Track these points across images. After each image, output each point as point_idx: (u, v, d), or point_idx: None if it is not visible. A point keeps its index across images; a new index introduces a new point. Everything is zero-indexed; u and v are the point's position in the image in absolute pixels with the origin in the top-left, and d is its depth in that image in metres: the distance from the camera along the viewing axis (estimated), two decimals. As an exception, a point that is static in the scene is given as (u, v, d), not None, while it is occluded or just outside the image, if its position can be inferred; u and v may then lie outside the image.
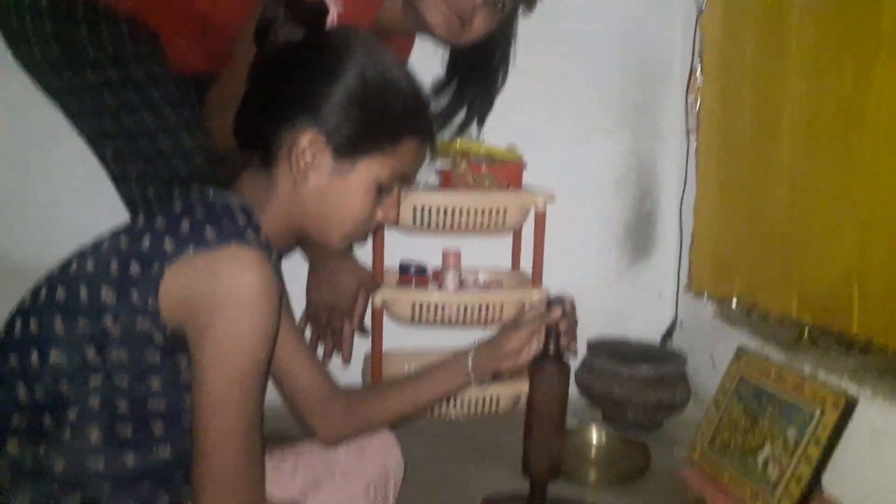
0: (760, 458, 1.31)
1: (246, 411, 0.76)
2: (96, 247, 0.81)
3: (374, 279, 1.51)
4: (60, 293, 0.78)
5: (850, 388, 1.25)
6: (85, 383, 0.76)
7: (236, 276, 0.75)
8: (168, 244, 0.77)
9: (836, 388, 1.26)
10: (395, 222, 0.94)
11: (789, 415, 1.30)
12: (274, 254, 0.84)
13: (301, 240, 0.97)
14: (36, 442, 0.76)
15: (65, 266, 0.81)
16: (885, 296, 1.20)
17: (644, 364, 1.72)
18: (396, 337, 1.71)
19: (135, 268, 0.76)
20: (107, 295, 0.76)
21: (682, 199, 1.87)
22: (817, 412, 1.25)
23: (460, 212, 1.49)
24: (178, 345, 0.78)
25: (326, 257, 1.42)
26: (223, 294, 0.74)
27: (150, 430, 0.78)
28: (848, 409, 1.21)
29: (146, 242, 0.78)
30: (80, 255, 0.81)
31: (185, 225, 0.78)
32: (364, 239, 0.97)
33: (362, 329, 1.51)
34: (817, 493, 1.28)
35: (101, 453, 0.76)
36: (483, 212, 1.51)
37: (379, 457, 1.13)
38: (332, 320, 1.45)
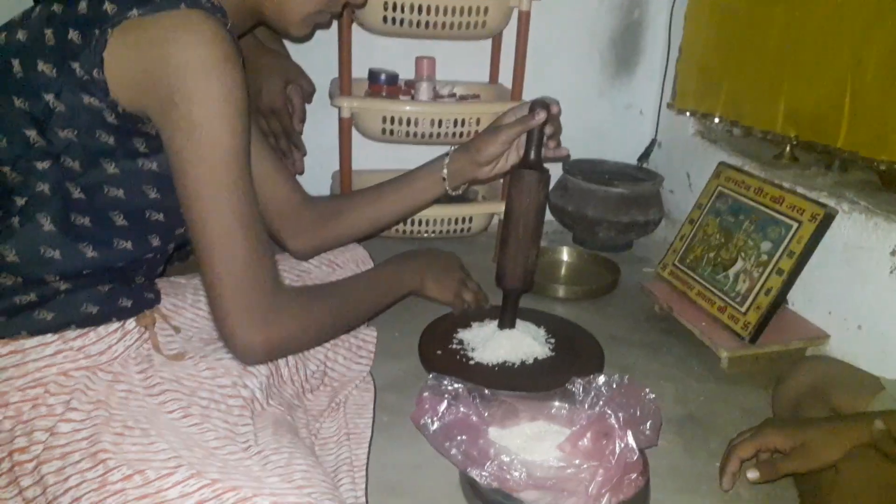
0: (732, 273, 1.33)
1: (239, 193, 0.71)
2: (26, 15, 0.70)
3: (306, 78, 1.41)
4: None
5: (829, 203, 1.24)
6: (31, 168, 0.69)
7: (192, 44, 0.65)
8: (108, 6, 0.66)
9: (815, 201, 1.25)
10: (362, 3, 0.83)
11: (765, 228, 1.30)
12: (230, 23, 0.74)
13: (253, 27, 0.86)
14: None
15: None
16: (876, 107, 1.17)
17: (619, 183, 1.70)
18: (366, 155, 1.65)
19: (73, 35, 0.66)
20: (45, 68, 0.67)
21: (672, 8, 1.74)
22: (794, 225, 1.24)
23: (436, 9, 1.36)
24: (132, 126, 0.70)
25: (254, 56, 1.31)
26: (181, 67, 0.65)
27: (109, 221, 0.72)
28: (825, 222, 1.21)
29: (83, 6, 0.67)
30: (9, 25, 0.70)
31: None
32: (327, 22, 0.86)
33: (295, 140, 1.42)
34: (783, 309, 1.32)
35: (56, 243, 0.70)
36: (461, 10, 1.37)
37: (352, 268, 1.11)
38: (270, 125, 1.37)
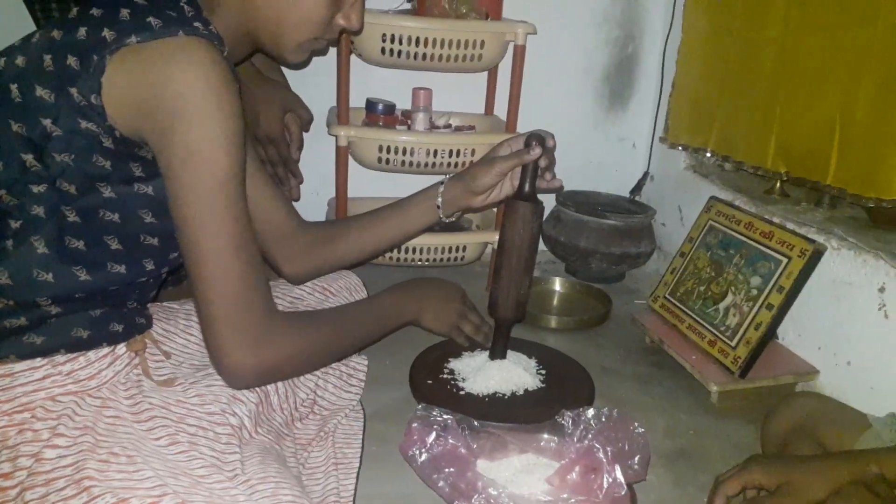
0: (722, 307, 1.34)
1: (233, 217, 0.72)
2: (25, 41, 0.71)
3: (304, 107, 1.42)
4: None
5: (818, 239, 1.26)
6: (26, 191, 0.69)
7: (190, 70, 0.66)
8: (107, 33, 0.67)
9: (804, 237, 1.26)
10: (358, 29, 0.85)
11: (755, 263, 1.31)
12: (226, 50, 0.75)
13: (250, 53, 0.88)
14: None
15: None
16: (864, 145, 1.18)
17: (611, 215, 1.71)
18: (362, 183, 1.66)
19: (71, 61, 0.67)
20: (43, 94, 0.67)
21: (665, 44, 1.78)
22: (784, 260, 1.25)
23: (433, 42, 1.38)
24: (129, 150, 0.71)
25: (253, 84, 1.32)
26: (179, 92, 0.66)
27: (104, 244, 0.73)
28: (815, 258, 1.22)
29: (82, 33, 0.68)
30: (8, 51, 0.71)
31: (124, 13, 0.69)
32: (324, 49, 0.88)
33: (292, 168, 1.42)
34: (773, 344, 1.32)
35: (49, 266, 0.70)
36: (458, 43, 1.40)
37: (345, 295, 1.12)
38: (268, 152, 1.38)
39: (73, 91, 0.67)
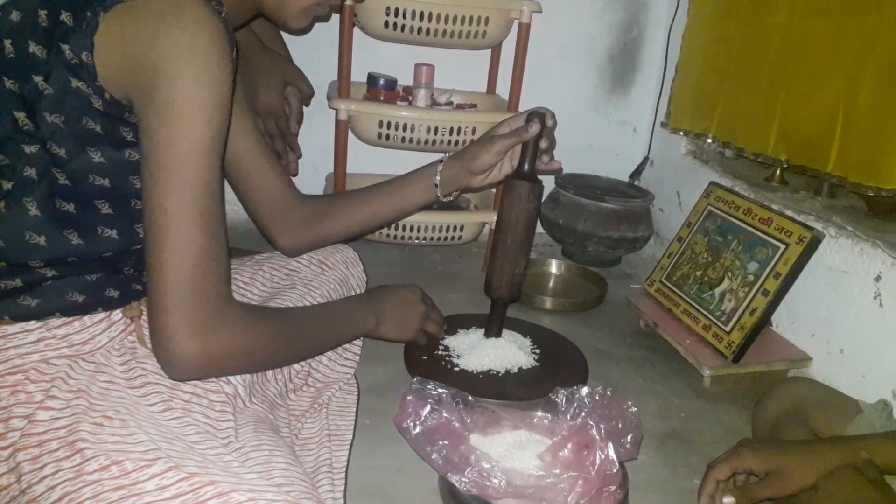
0: (718, 292, 1.34)
1: (203, 187, 0.67)
2: None
3: (305, 81, 1.39)
4: None
5: (816, 227, 1.26)
6: (19, 151, 0.68)
7: (182, 28, 0.65)
8: None
9: (803, 224, 1.26)
10: (361, -2, 0.84)
11: (753, 249, 1.31)
12: (224, 11, 0.74)
13: (251, 18, 0.86)
14: None
15: None
16: (866, 134, 1.18)
17: (610, 199, 1.71)
18: (361, 158, 1.65)
19: (65, 16, 0.66)
20: (35, 50, 0.66)
21: (670, 28, 1.76)
22: (781, 247, 1.25)
23: (438, 17, 1.37)
24: (119, 114, 0.70)
25: (254, 56, 1.30)
26: (168, 49, 0.65)
27: (94, 209, 0.72)
28: (812, 245, 1.22)
29: None
30: (4, 6, 0.70)
31: None
32: (326, 15, 0.86)
33: (291, 142, 1.41)
34: (767, 330, 1.33)
35: (41, 228, 0.70)
36: (463, 19, 1.39)
37: (341, 269, 1.11)
38: (267, 125, 1.36)
39: (66, 48, 0.66)
